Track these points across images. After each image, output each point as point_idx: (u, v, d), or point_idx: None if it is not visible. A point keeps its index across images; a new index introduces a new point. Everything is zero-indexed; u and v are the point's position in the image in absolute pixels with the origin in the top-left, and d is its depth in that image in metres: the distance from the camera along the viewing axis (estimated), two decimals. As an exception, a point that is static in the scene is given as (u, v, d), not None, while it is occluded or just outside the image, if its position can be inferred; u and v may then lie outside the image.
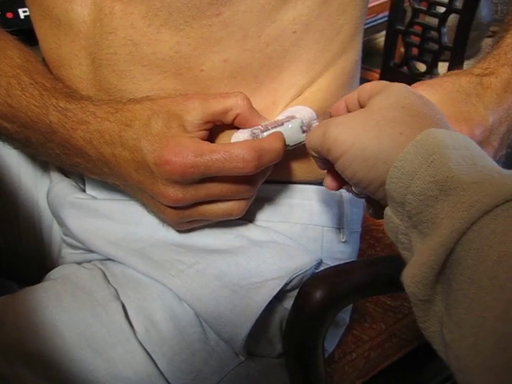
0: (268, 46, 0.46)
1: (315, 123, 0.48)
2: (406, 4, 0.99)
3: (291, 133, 0.45)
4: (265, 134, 0.45)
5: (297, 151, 0.50)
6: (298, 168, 0.52)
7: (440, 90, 0.45)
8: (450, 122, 0.38)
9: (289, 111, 0.48)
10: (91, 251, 0.54)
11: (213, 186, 0.43)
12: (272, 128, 0.45)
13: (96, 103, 0.45)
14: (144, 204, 0.48)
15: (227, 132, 0.47)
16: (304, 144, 0.48)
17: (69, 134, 0.44)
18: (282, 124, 0.45)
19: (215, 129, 0.45)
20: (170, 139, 0.41)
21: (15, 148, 0.52)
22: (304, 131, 0.46)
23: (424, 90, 0.45)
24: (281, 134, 0.45)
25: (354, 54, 0.52)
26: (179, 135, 0.41)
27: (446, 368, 0.34)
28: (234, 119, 0.45)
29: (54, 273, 0.54)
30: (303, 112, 0.47)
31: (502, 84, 0.44)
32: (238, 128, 0.46)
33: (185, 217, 0.45)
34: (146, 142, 0.41)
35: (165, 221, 0.48)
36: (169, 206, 0.44)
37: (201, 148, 0.41)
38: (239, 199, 0.45)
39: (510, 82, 0.44)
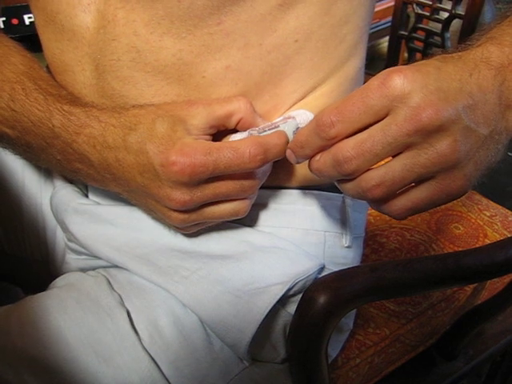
0: (269, 54, 0.46)
1: None
2: (410, 9, 0.99)
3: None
4: (261, 135, 0.45)
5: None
6: (301, 174, 0.52)
7: None
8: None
9: (288, 114, 0.48)
10: (95, 257, 0.54)
11: (219, 186, 0.43)
12: (269, 129, 0.45)
13: (100, 108, 0.45)
14: (148, 210, 0.47)
15: (227, 138, 0.47)
16: None
17: (71, 139, 0.45)
18: (278, 126, 0.46)
19: (216, 135, 0.46)
20: (176, 141, 0.41)
21: (16, 154, 0.52)
22: None
23: None
24: (284, 132, 0.45)
25: (358, 61, 0.52)
26: (185, 137, 0.42)
27: (451, 374, 0.34)
28: (237, 124, 0.45)
29: (58, 281, 0.54)
30: (303, 116, 0.48)
31: (470, 54, 0.37)
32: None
33: (191, 220, 0.45)
34: (152, 144, 0.41)
35: (171, 226, 0.48)
36: (175, 210, 0.44)
37: (208, 147, 0.41)
38: (243, 199, 0.45)
39: (486, 54, 0.37)
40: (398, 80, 0.34)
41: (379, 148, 0.35)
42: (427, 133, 0.34)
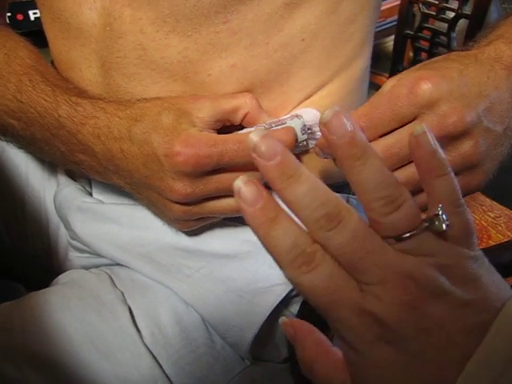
0: (276, 53, 0.46)
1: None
2: (415, 8, 0.99)
3: None
4: None
5: (304, 156, 0.50)
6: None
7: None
8: (412, 73, 0.36)
9: (295, 113, 0.48)
10: (98, 255, 0.54)
11: (221, 179, 0.43)
12: (275, 126, 0.45)
13: (107, 101, 0.45)
14: (150, 204, 0.47)
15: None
16: (306, 148, 0.48)
17: (76, 129, 0.45)
18: (285, 122, 0.46)
19: (222, 131, 0.45)
20: (181, 132, 0.41)
21: (20, 147, 0.52)
22: (305, 132, 0.46)
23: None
24: (292, 128, 0.45)
25: (364, 60, 0.52)
26: (190, 129, 0.42)
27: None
28: (243, 119, 0.45)
29: (61, 278, 0.54)
30: (310, 114, 0.48)
31: (484, 54, 0.40)
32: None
33: (193, 214, 0.45)
34: (157, 135, 0.41)
35: (171, 221, 0.47)
36: (177, 203, 0.43)
37: (213, 139, 0.41)
38: None
39: (499, 54, 0.39)
40: (426, 88, 0.36)
41: (407, 152, 0.37)
42: (452, 137, 0.36)
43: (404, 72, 0.41)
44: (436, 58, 0.41)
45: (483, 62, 0.39)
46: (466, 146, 0.37)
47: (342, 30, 0.48)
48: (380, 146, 0.38)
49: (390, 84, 0.41)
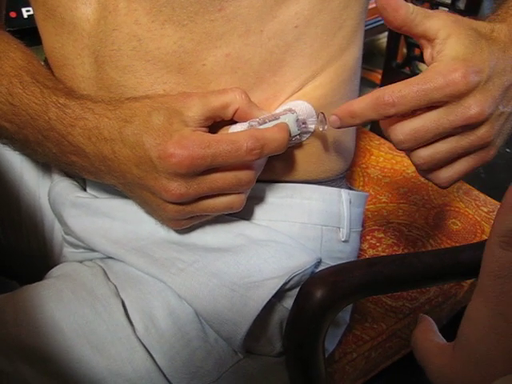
0: (270, 41, 0.46)
1: (313, 120, 0.48)
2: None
3: None
4: (261, 126, 0.45)
5: (297, 150, 0.51)
6: (298, 167, 0.52)
7: (461, 21, 0.43)
8: (449, 60, 0.39)
9: (288, 105, 0.48)
10: (92, 250, 0.54)
11: (215, 179, 0.43)
12: (269, 121, 0.45)
13: (95, 100, 0.45)
14: (143, 203, 0.47)
15: (226, 129, 0.47)
16: (302, 142, 0.48)
17: (66, 131, 0.45)
18: (279, 117, 0.46)
19: (214, 126, 0.46)
20: (173, 133, 0.41)
21: (15, 150, 0.52)
22: (299, 127, 0.46)
23: (444, 17, 0.42)
24: (286, 124, 0.45)
25: (356, 50, 0.52)
26: (182, 129, 0.42)
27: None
28: (234, 114, 0.45)
29: (55, 271, 0.54)
30: (302, 107, 0.48)
31: (510, 32, 0.43)
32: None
33: (186, 213, 0.45)
34: (149, 136, 0.41)
35: (164, 220, 0.48)
36: (171, 202, 0.44)
37: (207, 140, 0.41)
38: (238, 193, 0.45)
39: None
40: (459, 81, 0.39)
41: (430, 136, 0.41)
42: (472, 125, 0.41)
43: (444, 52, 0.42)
44: (472, 31, 0.42)
45: (509, 49, 0.42)
46: (482, 130, 0.41)
47: (335, 17, 0.48)
48: (407, 128, 0.41)
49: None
